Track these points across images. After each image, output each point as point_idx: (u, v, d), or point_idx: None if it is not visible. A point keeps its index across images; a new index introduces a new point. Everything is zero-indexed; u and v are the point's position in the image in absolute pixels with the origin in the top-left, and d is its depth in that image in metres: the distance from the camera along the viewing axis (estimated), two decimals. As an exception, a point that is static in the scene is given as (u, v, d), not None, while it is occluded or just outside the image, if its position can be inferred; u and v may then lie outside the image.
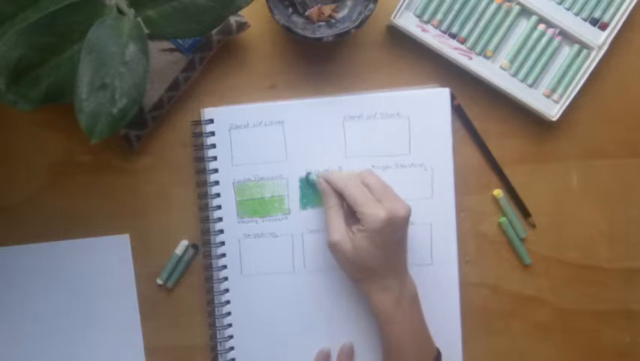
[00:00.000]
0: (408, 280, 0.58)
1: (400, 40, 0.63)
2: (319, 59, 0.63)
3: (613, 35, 0.61)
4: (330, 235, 0.57)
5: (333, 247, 0.57)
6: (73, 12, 0.48)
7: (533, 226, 0.64)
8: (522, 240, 0.64)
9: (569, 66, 0.62)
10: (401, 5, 0.61)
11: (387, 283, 0.56)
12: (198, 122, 0.62)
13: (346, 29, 0.58)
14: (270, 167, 0.62)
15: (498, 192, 0.63)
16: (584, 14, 0.61)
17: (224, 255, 0.62)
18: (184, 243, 0.63)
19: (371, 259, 0.55)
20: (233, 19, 0.60)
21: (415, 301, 0.58)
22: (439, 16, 0.61)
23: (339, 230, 0.56)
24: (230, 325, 0.62)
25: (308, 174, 0.61)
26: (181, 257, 0.63)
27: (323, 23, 0.61)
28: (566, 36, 0.62)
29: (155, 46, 0.59)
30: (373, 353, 0.62)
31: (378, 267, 0.56)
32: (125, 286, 0.63)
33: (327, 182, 0.59)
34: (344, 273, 0.59)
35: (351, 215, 0.57)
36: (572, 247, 0.64)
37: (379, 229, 0.54)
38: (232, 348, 0.62)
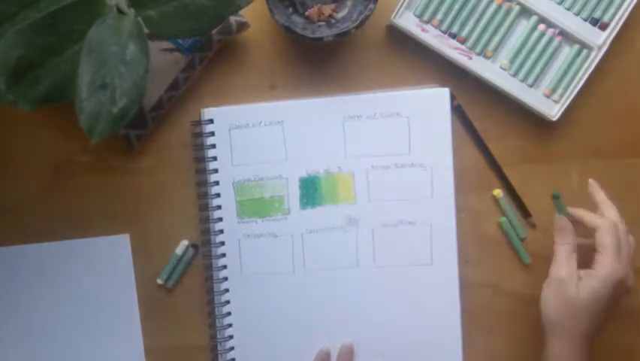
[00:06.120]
0: (591, 343, 0.55)
1: (400, 40, 0.63)
2: (319, 59, 0.63)
3: (613, 35, 0.61)
4: (557, 270, 0.55)
5: (556, 282, 0.55)
6: (73, 12, 0.48)
7: (533, 225, 0.64)
8: (522, 240, 0.64)
9: (569, 66, 0.62)
10: (401, 5, 0.61)
11: (577, 340, 0.54)
12: (198, 123, 0.62)
13: (346, 29, 0.58)
14: (269, 167, 0.62)
15: (498, 192, 0.63)
16: (584, 14, 0.61)
17: (224, 255, 0.62)
18: (184, 243, 0.63)
19: (585, 308, 0.53)
20: (233, 19, 0.60)
21: None
22: (439, 16, 0.61)
23: (569, 268, 0.55)
24: (230, 325, 0.62)
25: (555, 196, 0.61)
26: (181, 257, 0.63)
27: (323, 23, 0.61)
28: (566, 36, 0.62)
29: (155, 46, 0.59)
30: (373, 353, 0.62)
31: (584, 319, 0.54)
32: (125, 286, 0.63)
33: (580, 218, 0.58)
34: (544, 310, 0.56)
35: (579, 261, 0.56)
36: (572, 247, 0.64)
37: (610, 285, 0.53)
38: (232, 348, 0.62)
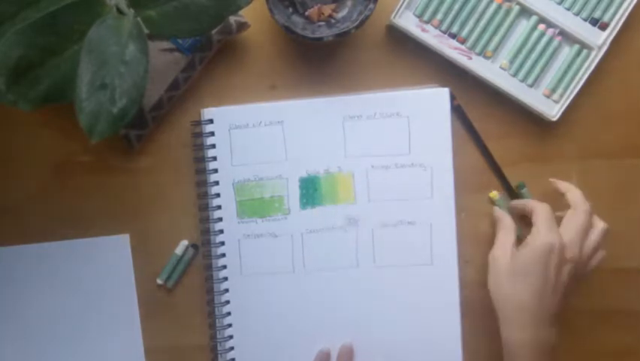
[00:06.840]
0: (549, 330, 0.56)
1: (399, 40, 0.63)
2: (319, 59, 0.63)
3: (613, 35, 0.61)
4: (494, 249, 0.58)
5: (491, 262, 0.58)
6: (73, 12, 0.48)
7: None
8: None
9: (569, 66, 0.62)
10: (401, 5, 0.61)
11: (517, 310, 0.56)
12: (198, 123, 0.62)
13: (346, 29, 0.58)
14: (269, 167, 0.62)
15: (494, 194, 0.63)
16: (584, 14, 0.61)
17: (224, 255, 0.62)
18: (184, 243, 0.63)
19: (521, 277, 0.55)
20: (233, 19, 0.60)
21: (545, 354, 0.56)
22: (439, 16, 0.61)
23: (505, 247, 0.57)
24: (230, 325, 0.62)
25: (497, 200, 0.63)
26: (181, 257, 0.63)
27: (323, 23, 0.61)
28: (566, 36, 0.62)
29: (155, 46, 0.59)
30: (373, 353, 0.62)
31: (522, 288, 0.55)
32: (125, 286, 0.63)
33: (517, 206, 0.61)
34: (490, 290, 0.58)
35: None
36: (571, 247, 0.64)
37: (541, 252, 0.55)
38: (232, 348, 0.62)
